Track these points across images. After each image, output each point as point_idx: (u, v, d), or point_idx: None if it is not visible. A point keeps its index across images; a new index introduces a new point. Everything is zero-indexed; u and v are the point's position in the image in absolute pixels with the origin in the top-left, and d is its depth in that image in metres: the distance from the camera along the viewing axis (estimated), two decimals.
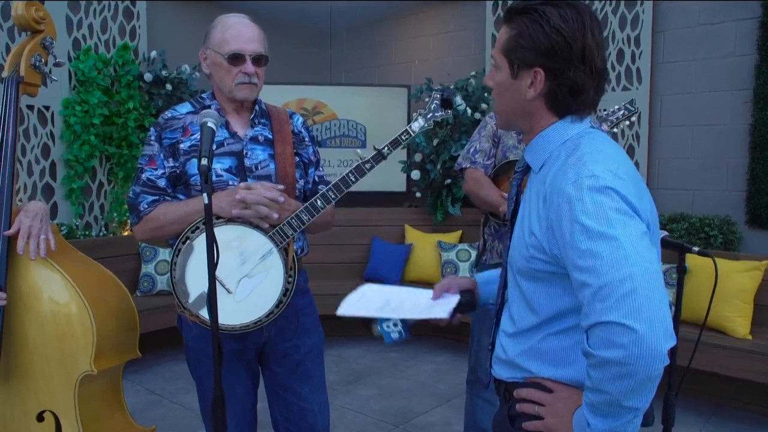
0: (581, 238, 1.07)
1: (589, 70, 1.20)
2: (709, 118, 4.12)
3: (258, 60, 1.86)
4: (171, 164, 1.86)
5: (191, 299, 1.74)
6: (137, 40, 4.89)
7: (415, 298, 1.52)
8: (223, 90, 1.88)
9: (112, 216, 4.75)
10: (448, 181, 4.97)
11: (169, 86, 4.81)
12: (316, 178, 2.05)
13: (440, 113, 1.95)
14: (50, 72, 2.04)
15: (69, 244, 1.99)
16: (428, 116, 1.94)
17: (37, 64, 1.99)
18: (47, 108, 4.40)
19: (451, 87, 5.01)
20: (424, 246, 4.93)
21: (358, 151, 1.91)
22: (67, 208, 4.54)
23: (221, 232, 1.71)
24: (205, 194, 1.36)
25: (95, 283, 1.90)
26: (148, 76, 4.76)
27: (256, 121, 1.94)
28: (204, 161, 1.38)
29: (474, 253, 4.68)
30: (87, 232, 4.57)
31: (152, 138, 1.89)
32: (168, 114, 1.92)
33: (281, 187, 1.80)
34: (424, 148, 5.01)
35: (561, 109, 1.24)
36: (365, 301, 1.54)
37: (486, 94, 4.95)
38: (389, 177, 5.22)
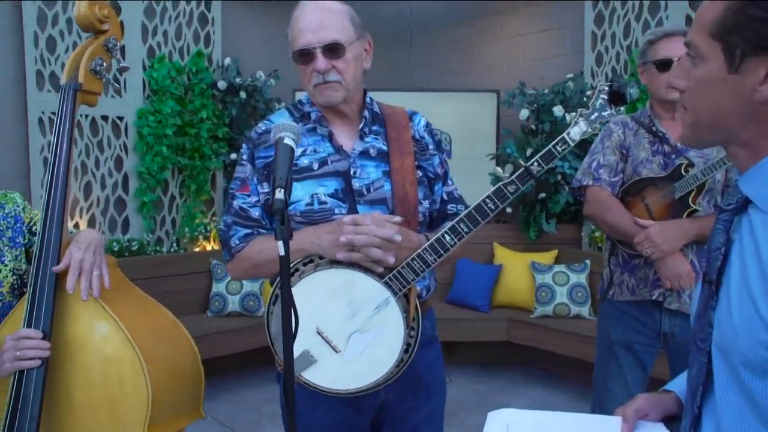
0: None
1: None
2: None
3: (333, 50, 1.46)
4: (266, 190, 1.52)
5: None
6: (212, 47, 4.69)
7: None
8: (310, 95, 1.53)
9: (184, 231, 4.54)
10: (543, 195, 4.50)
11: (243, 94, 4.57)
12: (445, 196, 1.66)
13: (608, 112, 1.47)
14: (114, 78, 1.75)
15: (128, 281, 1.68)
16: (593, 117, 1.46)
17: (98, 68, 1.71)
18: (121, 119, 4.25)
19: (546, 91, 4.55)
20: (515, 267, 4.47)
21: (497, 168, 1.49)
22: (139, 222, 4.36)
23: (325, 278, 1.39)
24: (280, 242, 1.00)
25: (155, 332, 1.58)
26: (221, 84, 4.54)
27: (367, 130, 1.56)
28: (279, 193, 1.02)
29: (573, 276, 4.20)
30: (158, 248, 4.38)
31: (244, 158, 1.56)
32: (261, 127, 1.57)
33: (398, 219, 1.42)
34: (516, 159, 4.55)
35: None
36: None
37: (585, 99, 4.46)
38: (476, 190, 4.77)
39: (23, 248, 1.71)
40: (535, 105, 4.54)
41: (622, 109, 1.49)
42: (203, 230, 4.57)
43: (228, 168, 4.81)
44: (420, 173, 1.58)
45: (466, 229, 1.42)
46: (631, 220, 2.10)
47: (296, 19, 1.50)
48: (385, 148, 1.56)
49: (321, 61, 1.46)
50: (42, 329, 1.46)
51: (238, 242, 1.53)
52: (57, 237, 1.53)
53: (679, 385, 1.12)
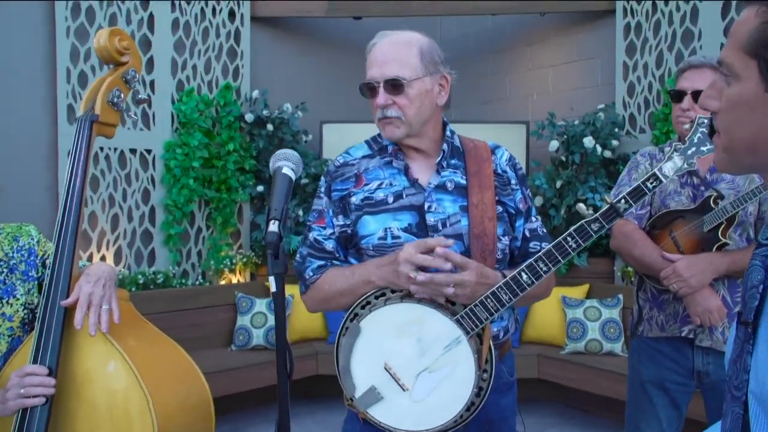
0: None
1: None
2: None
3: (394, 86, 1.44)
4: (341, 222, 1.51)
5: (358, 393, 1.38)
6: (240, 80, 4.73)
7: None
8: None
9: (209, 264, 4.53)
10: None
11: (270, 126, 4.59)
12: (527, 233, 1.58)
13: (708, 147, 1.38)
14: (134, 110, 1.74)
15: (139, 315, 1.63)
16: (689, 152, 1.39)
17: (116, 100, 1.70)
18: (149, 151, 4.29)
19: (576, 122, 4.47)
20: (545, 301, 4.29)
21: (581, 206, 1.42)
22: (165, 254, 4.36)
23: (395, 312, 1.35)
24: (272, 277, 0.94)
25: (165, 368, 1.53)
26: (249, 117, 4.57)
27: (444, 164, 1.52)
28: (273, 226, 0.98)
29: (605, 311, 4.05)
30: (183, 281, 4.36)
31: (322, 190, 1.55)
32: (340, 159, 1.56)
33: (450, 242, 1.36)
34: (546, 191, 4.46)
35: None
36: None
37: (616, 129, 4.36)
38: None
39: (36, 282, 1.68)
40: (565, 136, 4.46)
41: None
42: (229, 263, 4.56)
43: (255, 200, 4.81)
44: (500, 209, 1.52)
45: (545, 268, 1.35)
46: (659, 253, 2.02)
47: (369, 51, 1.50)
48: (463, 182, 1.51)
49: (381, 96, 1.45)
50: (48, 365, 1.42)
51: (312, 274, 1.52)
52: (67, 270, 1.50)
53: None
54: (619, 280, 4.41)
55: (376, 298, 1.42)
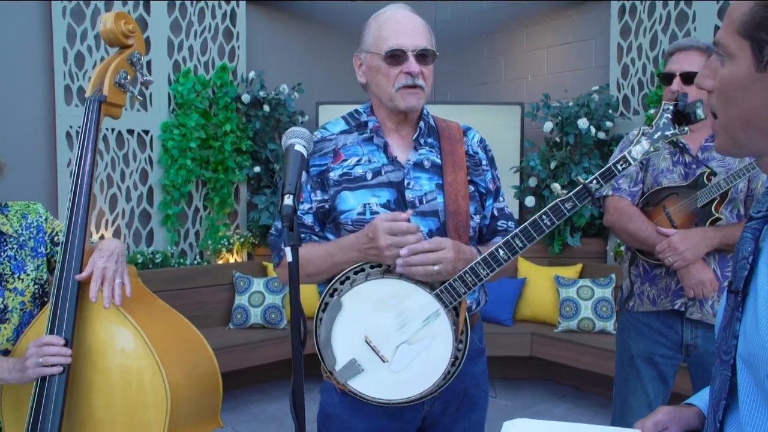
0: None
1: None
2: None
3: (424, 57, 1.49)
4: (319, 197, 1.53)
5: (339, 366, 1.42)
6: (236, 61, 4.74)
7: None
8: (383, 99, 1.52)
9: (207, 244, 4.57)
10: None
11: (266, 107, 4.61)
12: (495, 212, 1.65)
13: (672, 131, 1.45)
14: (139, 92, 1.78)
15: (148, 290, 1.68)
16: (656, 136, 1.44)
17: (122, 82, 1.74)
18: (147, 132, 4.31)
19: (570, 103, 4.51)
20: (539, 281, 4.41)
21: (555, 185, 1.47)
22: (163, 234, 4.40)
23: (375, 287, 1.39)
24: (288, 248, 0.99)
25: (175, 340, 1.58)
26: (245, 98, 4.58)
27: (422, 141, 1.56)
28: (288, 199, 1.02)
29: (597, 290, 4.13)
30: (181, 260, 4.40)
31: None
32: (318, 134, 1.57)
33: (416, 227, 1.41)
34: (540, 172, 4.52)
35: None
36: None
37: (610, 111, 4.41)
38: None
39: (45, 258, 1.73)
40: (560, 117, 4.50)
41: (686, 128, 1.46)
42: (226, 243, 4.60)
43: (251, 181, 4.84)
44: (472, 188, 1.57)
45: (520, 245, 1.41)
46: (653, 228, 2.09)
47: (387, 19, 1.52)
48: (438, 161, 1.56)
49: (414, 65, 1.47)
50: (64, 336, 1.47)
51: None
52: (80, 246, 1.54)
53: (701, 399, 1.08)
54: (611, 259, 4.49)
55: (356, 273, 1.45)
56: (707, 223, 2.06)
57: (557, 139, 4.58)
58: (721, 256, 2.08)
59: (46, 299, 1.72)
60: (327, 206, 1.53)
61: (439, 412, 1.56)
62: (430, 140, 1.58)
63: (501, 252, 1.40)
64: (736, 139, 0.88)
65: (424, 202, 1.51)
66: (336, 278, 1.45)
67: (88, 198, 1.60)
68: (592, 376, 4.00)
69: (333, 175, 1.52)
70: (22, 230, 1.70)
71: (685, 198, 2.09)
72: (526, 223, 1.41)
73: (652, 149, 1.44)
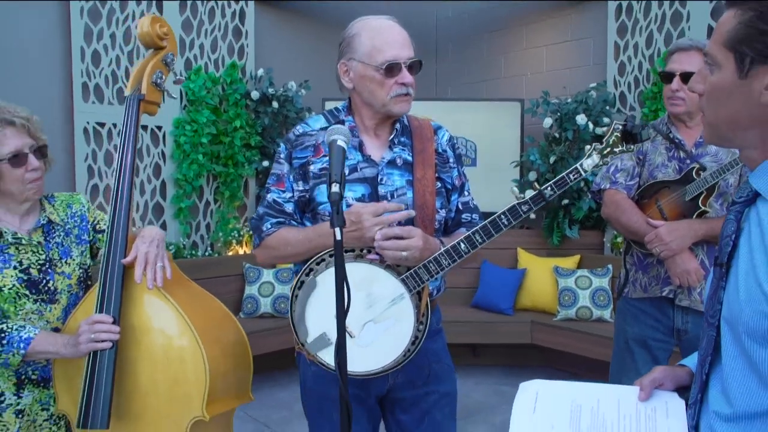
0: None
1: None
2: None
3: (413, 67, 1.64)
4: (300, 187, 1.68)
5: (310, 338, 1.57)
6: (245, 59, 4.88)
7: (614, 401, 1.19)
8: (374, 105, 1.65)
9: (218, 236, 4.72)
10: (566, 201, 4.60)
11: (275, 104, 4.75)
12: (460, 206, 1.80)
13: (620, 148, 1.59)
14: (169, 89, 1.92)
15: (184, 275, 1.83)
16: (605, 152, 1.59)
17: (158, 81, 1.88)
18: (159, 128, 4.44)
19: (569, 100, 4.66)
20: (538, 271, 4.57)
21: (514, 188, 1.63)
22: (176, 227, 4.54)
23: (349, 270, 1.52)
24: (337, 228, 1.15)
25: (210, 320, 1.73)
26: (255, 94, 4.72)
27: (396, 141, 1.71)
28: (335, 187, 1.17)
29: (595, 280, 4.29)
30: (193, 252, 4.55)
31: (282, 156, 1.71)
32: (299, 129, 1.72)
33: (402, 206, 1.58)
34: (540, 166, 4.67)
35: None
36: (544, 408, 1.21)
37: (608, 107, 4.56)
38: (500, 197, 4.89)
39: (88, 245, 1.88)
40: (559, 114, 4.65)
41: (633, 146, 1.61)
42: (236, 235, 4.74)
43: (260, 175, 4.98)
44: (439, 184, 1.72)
45: (480, 240, 1.55)
46: (644, 220, 2.22)
47: (379, 31, 1.63)
48: (410, 158, 1.70)
49: (408, 76, 1.62)
50: (112, 314, 1.61)
51: (270, 226, 1.68)
52: (124, 233, 1.69)
53: (692, 361, 1.23)
54: (608, 251, 4.64)
55: (330, 256, 1.57)
56: (694, 216, 2.17)
57: (556, 135, 4.73)
58: (710, 247, 2.19)
59: (89, 283, 1.87)
60: (307, 196, 1.67)
61: (405, 385, 1.71)
62: (403, 139, 1.72)
63: (462, 245, 1.55)
64: (721, 134, 1.05)
65: (395, 197, 1.66)
66: (312, 259, 1.59)
67: (130, 188, 1.74)
68: (590, 362, 4.15)
69: (313, 168, 1.65)
70: (67, 219, 1.84)
71: (675, 192, 2.21)
72: (486, 222, 1.56)
73: (601, 162, 1.58)
